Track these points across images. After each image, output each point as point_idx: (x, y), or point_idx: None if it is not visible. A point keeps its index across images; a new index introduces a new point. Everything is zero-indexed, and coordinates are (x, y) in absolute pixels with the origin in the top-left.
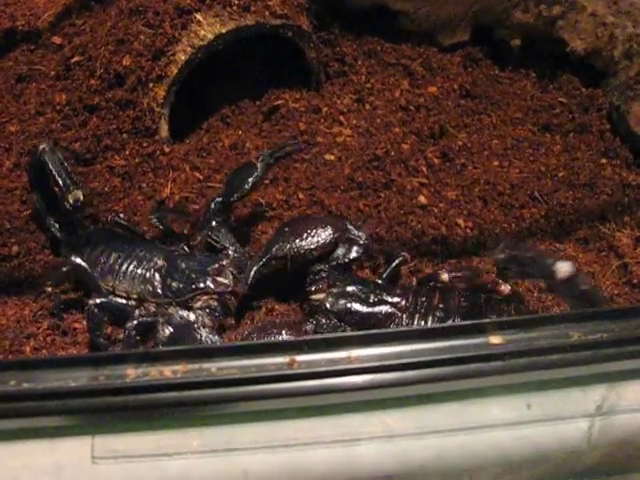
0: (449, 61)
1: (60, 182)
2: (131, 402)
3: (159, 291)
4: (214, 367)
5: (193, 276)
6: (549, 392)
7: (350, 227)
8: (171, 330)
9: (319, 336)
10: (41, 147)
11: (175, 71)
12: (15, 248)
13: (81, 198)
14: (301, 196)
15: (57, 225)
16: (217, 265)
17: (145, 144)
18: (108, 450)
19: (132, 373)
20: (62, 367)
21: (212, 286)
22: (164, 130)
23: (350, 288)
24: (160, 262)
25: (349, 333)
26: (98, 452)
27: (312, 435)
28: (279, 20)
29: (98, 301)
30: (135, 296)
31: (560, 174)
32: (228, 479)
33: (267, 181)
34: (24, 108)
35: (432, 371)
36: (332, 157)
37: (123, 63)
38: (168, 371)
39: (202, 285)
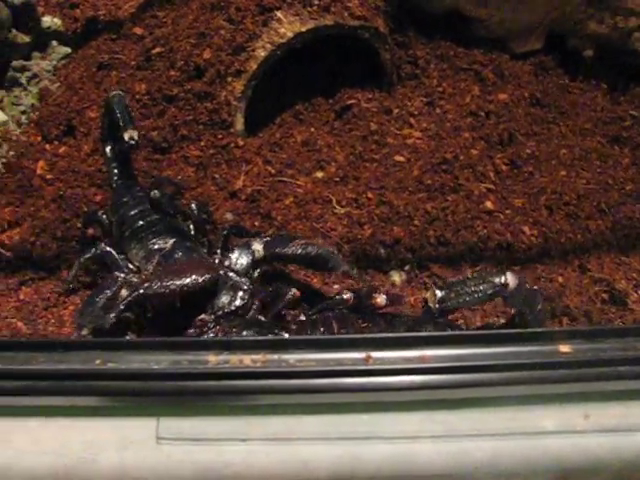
0: (520, 69)
1: (120, 121)
2: (211, 388)
3: (150, 269)
4: (293, 359)
5: None
6: (609, 404)
7: (231, 274)
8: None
9: (395, 335)
10: (112, 94)
11: (254, 67)
12: (90, 231)
13: (135, 137)
14: (370, 195)
15: (117, 174)
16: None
17: (220, 136)
18: (173, 432)
19: (213, 360)
20: (146, 350)
21: None
22: (239, 123)
23: (245, 333)
24: (168, 245)
25: (424, 333)
26: (163, 433)
27: (373, 430)
28: (357, 21)
29: (108, 249)
30: (137, 264)
31: (627, 187)
32: (288, 468)
33: (337, 179)
34: (104, 95)
35: (498, 375)
36: (401, 158)
37: (203, 56)
38: (248, 360)
39: None
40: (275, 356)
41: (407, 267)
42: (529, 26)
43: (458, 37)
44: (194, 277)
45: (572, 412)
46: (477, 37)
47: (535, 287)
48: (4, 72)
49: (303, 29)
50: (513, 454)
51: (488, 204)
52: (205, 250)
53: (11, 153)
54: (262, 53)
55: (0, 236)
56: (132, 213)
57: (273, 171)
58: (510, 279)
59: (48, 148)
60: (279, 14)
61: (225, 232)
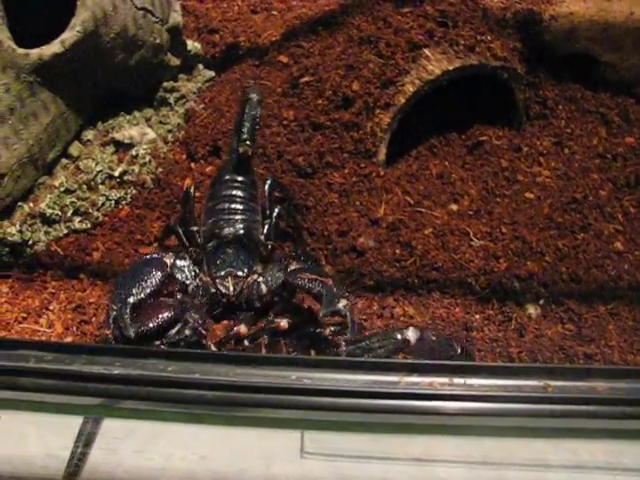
0: None
1: (243, 130)
2: (399, 407)
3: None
4: (477, 383)
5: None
6: None
7: (189, 311)
8: None
9: (572, 366)
10: (252, 94)
11: (402, 101)
12: None
13: (249, 153)
14: (504, 230)
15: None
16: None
17: (363, 165)
18: (317, 447)
19: (403, 381)
20: (343, 369)
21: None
22: (382, 154)
23: None
24: (228, 238)
25: (597, 366)
26: (308, 447)
27: (506, 456)
28: (499, 62)
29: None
30: (200, 241)
31: None
32: None
33: (471, 212)
34: None
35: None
36: (532, 196)
37: (352, 87)
38: (437, 383)
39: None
40: (461, 380)
41: (542, 301)
42: None
43: (586, 79)
44: (164, 317)
45: None
46: (604, 80)
47: (448, 336)
48: (154, 92)
49: (450, 67)
50: None
51: (618, 244)
52: (265, 253)
53: (159, 170)
54: (411, 88)
55: (148, 249)
56: (223, 193)
57: (411, 201)
58: (411, 334)
59: (194, 167)
60: (427, 52)
61: (268, 184)
